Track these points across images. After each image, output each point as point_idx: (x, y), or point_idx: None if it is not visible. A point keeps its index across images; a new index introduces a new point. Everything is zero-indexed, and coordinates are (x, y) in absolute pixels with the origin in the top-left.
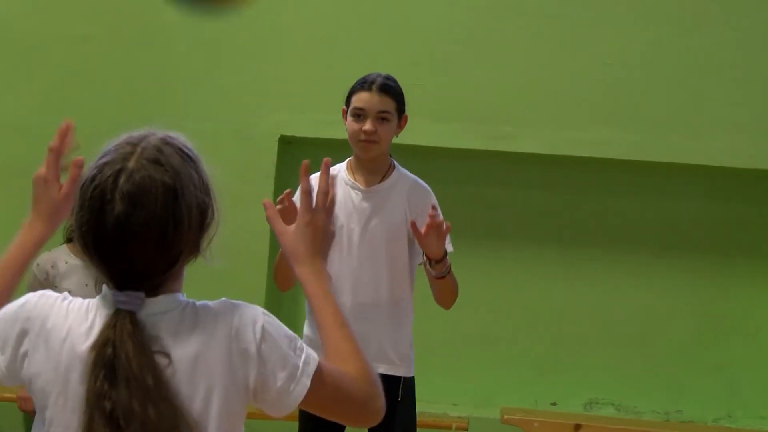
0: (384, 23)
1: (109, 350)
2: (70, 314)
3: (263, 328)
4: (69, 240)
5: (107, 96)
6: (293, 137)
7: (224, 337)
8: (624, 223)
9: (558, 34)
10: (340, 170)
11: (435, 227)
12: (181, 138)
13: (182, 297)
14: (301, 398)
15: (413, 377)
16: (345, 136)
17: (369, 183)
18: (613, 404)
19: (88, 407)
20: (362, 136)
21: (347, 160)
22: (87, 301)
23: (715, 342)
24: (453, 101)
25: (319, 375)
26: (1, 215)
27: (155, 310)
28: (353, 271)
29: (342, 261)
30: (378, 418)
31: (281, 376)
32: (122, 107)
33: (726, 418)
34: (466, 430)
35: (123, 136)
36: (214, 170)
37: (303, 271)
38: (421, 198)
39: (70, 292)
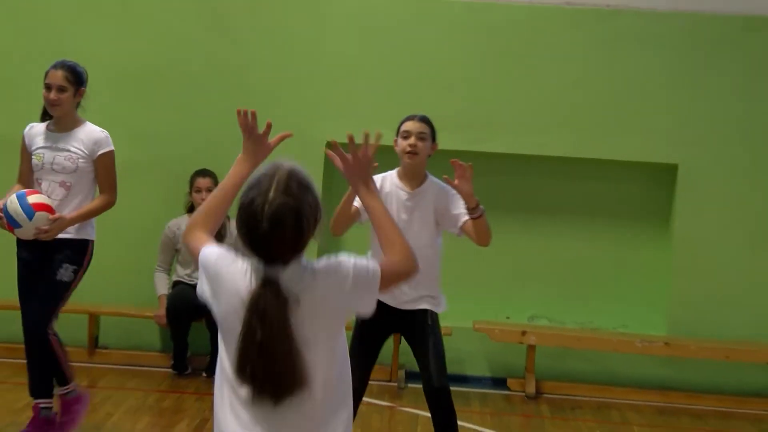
0: (402, 57)
1: (261, 304)
2: (237, 273)
3: (344, 264)
4: (189, 211)
5: (201, 113)
6: (337, 142)
7: (331, 281)
8: (562, 198)
9: (516, 68)
10: (392, 175)
11: (460, 169)
12: (300, 169)
13: (304, 261)
14: (378, 281)
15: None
16: (378, 142)
17: (412, 187)
18: (546, 318)
19: (243, 337)
20: (408, 149)
21: (396, 169)
22: (244, 264)
23: (616, 276)
24: (444, 114)
25: (383, 274)
26: (137, 201)
27: (289, 275)
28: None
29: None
30: (417, 269)
31: (363, 283)
32: (214, 120)
33: (622, 326)
34: (450, 334)
35: (261, 171)
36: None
37: (366, 189)
38: (443, 197)
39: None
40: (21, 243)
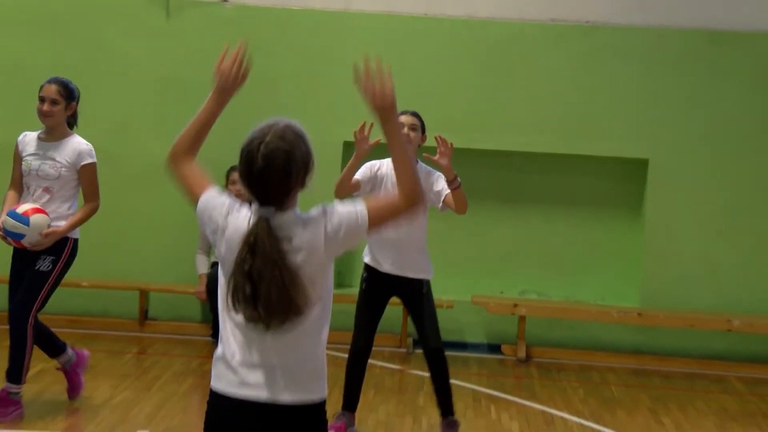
0: (410, 69)
1: (252, 238)
2: (241, 216)
3: (331, 211)
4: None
5: (236, 118)
6: (352, 142)
7: (320, 227)
8: (549, 189)
9: (508, 76)
10: (388, 160)
11: (443, 145)
12: (297, 124)
13: (297, 212)
14: (366, 221)
15: (430, 280)
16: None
17: None
18: (535, 292)
19: (235, 268)
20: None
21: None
22: (246, 210)
23: (595, 256)
24: (446, 117)
25: (371, 214)
26: (180, 193)
27: (283, 219)
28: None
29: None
30: (419, 205)
31: (344, 223)
32: (247, 124)
33: (600, 299)
34: (452, 307)
35: (264, 122)
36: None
37: (390, 120)
38: (429, 178)
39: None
40: (15, 255)
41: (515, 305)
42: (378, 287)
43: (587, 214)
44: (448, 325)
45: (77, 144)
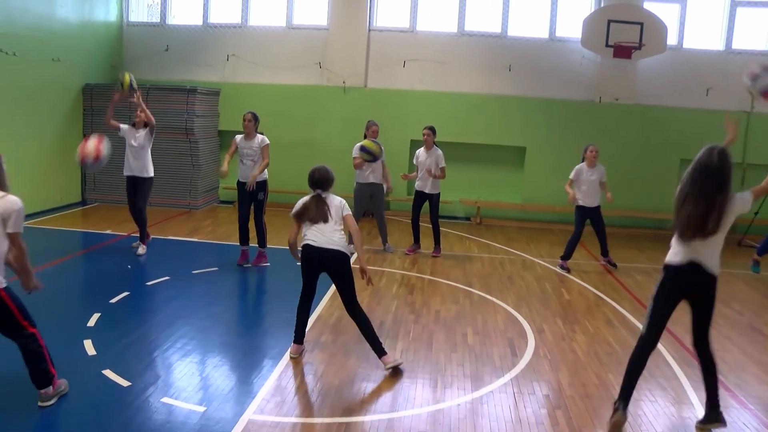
0: (435, 110)
1: (317, 201)
2: (306, 197)
3: (344, 203)
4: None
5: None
6: (414, 140)
7: (338, 202)
8: (483, 157)
9: (472, 116)
10: (422, 148)
11: (430, 174)
12: (325, 166)
13: (331, 194)
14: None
15: (439, 194)
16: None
17: (427, 150)
18: (483, 197)
19: (309, 213)
20: (423, 137)
21: (422, 147)
22: (309, 195)
23: (504, 184)
24: (451, 129)
25: (348, 218)
26: (286, 172)
27: (327, 195)
28: (423, 173)
29: (420, 171)
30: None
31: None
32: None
33: (507, 199)
34: (451, 203)
35: (315, 165)
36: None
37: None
38: (436, 155)
39: None
40: (241, 190)
41: (476, 201)
42: (420, 198)
43: (502, 167)
44: (450, 209)
45: (258, 138)
